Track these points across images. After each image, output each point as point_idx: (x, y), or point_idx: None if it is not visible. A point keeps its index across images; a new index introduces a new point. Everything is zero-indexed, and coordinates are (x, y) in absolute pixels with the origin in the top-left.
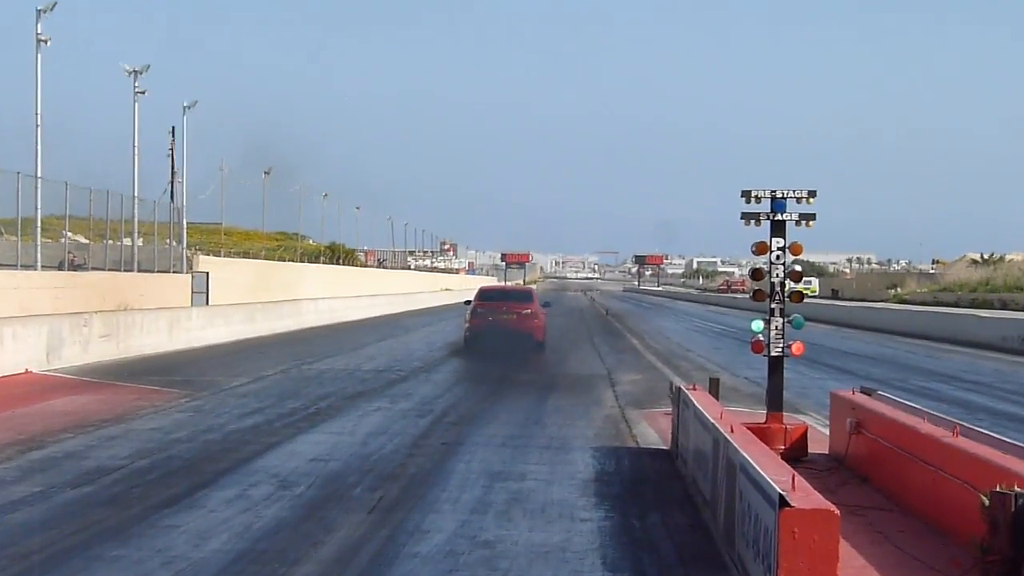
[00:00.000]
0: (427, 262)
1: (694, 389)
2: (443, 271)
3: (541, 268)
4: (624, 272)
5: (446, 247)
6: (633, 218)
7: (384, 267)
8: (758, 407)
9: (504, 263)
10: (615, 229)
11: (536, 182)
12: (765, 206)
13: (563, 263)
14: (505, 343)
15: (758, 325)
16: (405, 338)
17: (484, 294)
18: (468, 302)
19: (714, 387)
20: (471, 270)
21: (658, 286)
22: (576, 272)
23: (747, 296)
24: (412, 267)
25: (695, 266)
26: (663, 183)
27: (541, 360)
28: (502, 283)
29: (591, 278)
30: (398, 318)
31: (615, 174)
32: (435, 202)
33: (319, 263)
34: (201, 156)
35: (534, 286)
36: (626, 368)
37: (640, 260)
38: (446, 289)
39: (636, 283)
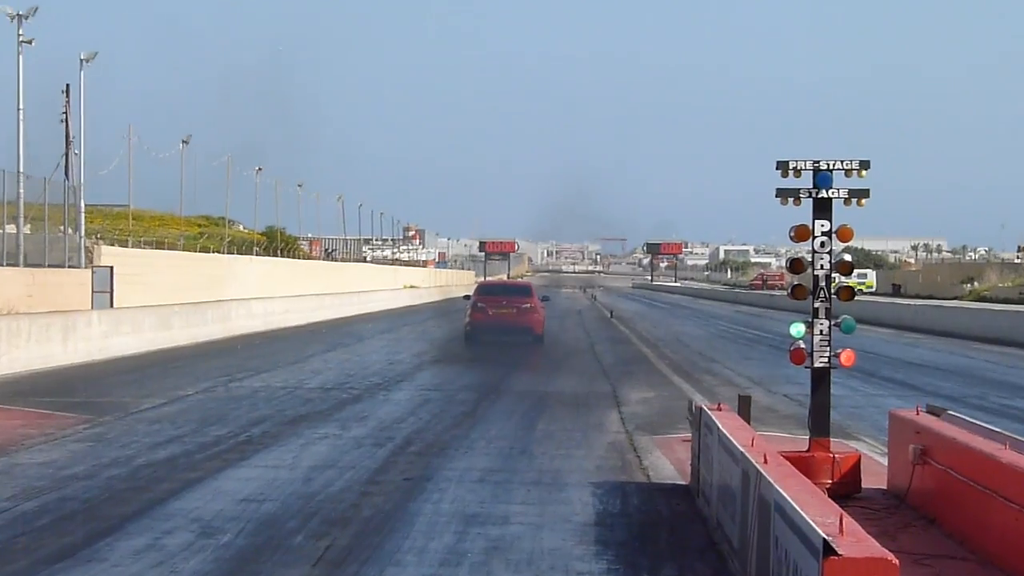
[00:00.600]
0: (387, 253)
1: (719, 409)
2: (407, 264)
3: (529, 259)
4: (633, 264)
5: (411, 234)
6: (645, 198)
7: (333, 259)
8: (799, 431)
9: (483, 253)
10: (622, 212)
11: (523, 157)
12: (806, 180)
13: (557, 253)
14: (505, 337)
15: (798, 329)
16: (359, 348)
17: (484, 289)
18: (467, 297)
19: (744, 407)
20: (442, 262)
21: (675, 281)
22: (574, 264)
23: (785, 293)
24: (368, 259)
25: (722, 256)
26: (683, 156)
27: (529, 374)
28: (497, 278)
29: (592, 271)
30: (350, 323)
31: (622, 145)
32: (397, 183)
33: (252, 255)
34: (108, 122)
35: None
36: (635, 383)
37: (653, 249)
38: (410, 286)
39: (648, 277)
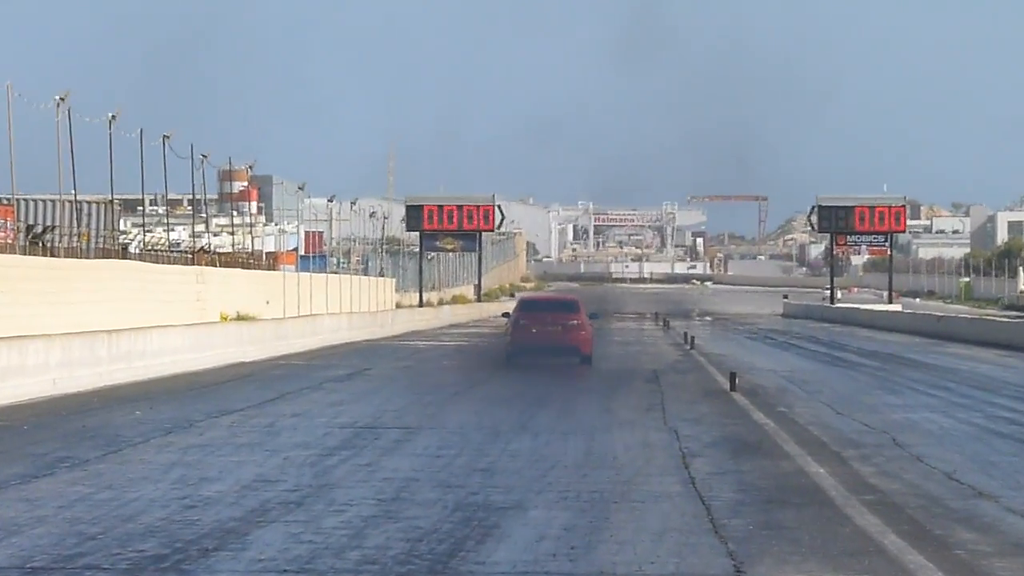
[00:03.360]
0: (182, 234)
1: None
2: (231, 260)
3: (531, 246)
4: (785, 257)
5: (239, 187)
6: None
7: (48, 249)
8: None
9: (416, 232)
10: (761, 152)
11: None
12: None
13: (599, 234)
14: (550, 357)
15: None
16: (110, 469)
17: (525, 304)
18: (506, 314)
19: None
20: (318, 255)
21: (888, 300)
22: (639, 256)
23: None
24: (134, 246)
25: (1003, 234)
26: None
27: (520, 520)
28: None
29: (688, 276)
30: (88, 406)
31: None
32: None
33: None
34: None
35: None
36: (791, 551)
37: (832, 220)
38: (239, 317)
39: (824, 290)
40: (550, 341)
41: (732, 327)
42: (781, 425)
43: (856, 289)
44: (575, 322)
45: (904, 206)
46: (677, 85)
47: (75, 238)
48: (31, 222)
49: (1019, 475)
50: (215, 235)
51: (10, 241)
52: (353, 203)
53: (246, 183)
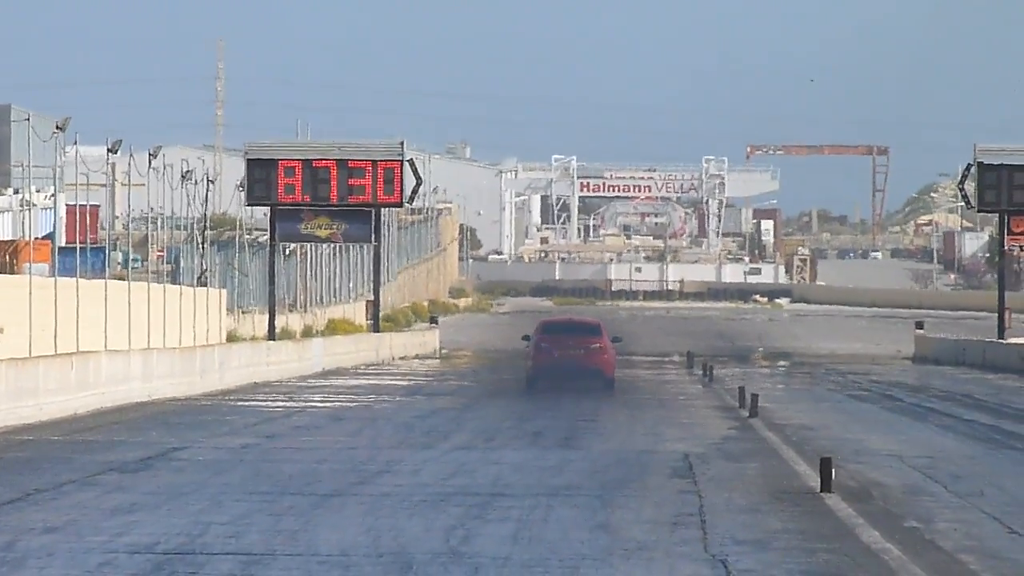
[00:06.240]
0: None
1: None
2: None
3: (467, 232)
4: (920, 254)
5: None
6: None
7: None
8: None
9: (264, 208)
10: None
11: None
12: None
13: (588, 209)
14: (572, 381)
15: None
16: None
17: (547, 327)
18: (527, 337)
19: None
20: (91, 248)
21: None
22: (659, 249)
23: None
24: None
25: None
26: None
27: None
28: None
29: (746, 287)
30: None
31: None
32: None
33: None
34: None
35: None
36: None
37: (1000, 184)
38: None
39: (996, 316)
40: (573, 364)
41: (825, 378)
42: (911, 553)
43: None
44: (598, 345)
45: None
46: None
47: None
48: None
49: None
50: None
51: None
52: (153, 155)
53: None
